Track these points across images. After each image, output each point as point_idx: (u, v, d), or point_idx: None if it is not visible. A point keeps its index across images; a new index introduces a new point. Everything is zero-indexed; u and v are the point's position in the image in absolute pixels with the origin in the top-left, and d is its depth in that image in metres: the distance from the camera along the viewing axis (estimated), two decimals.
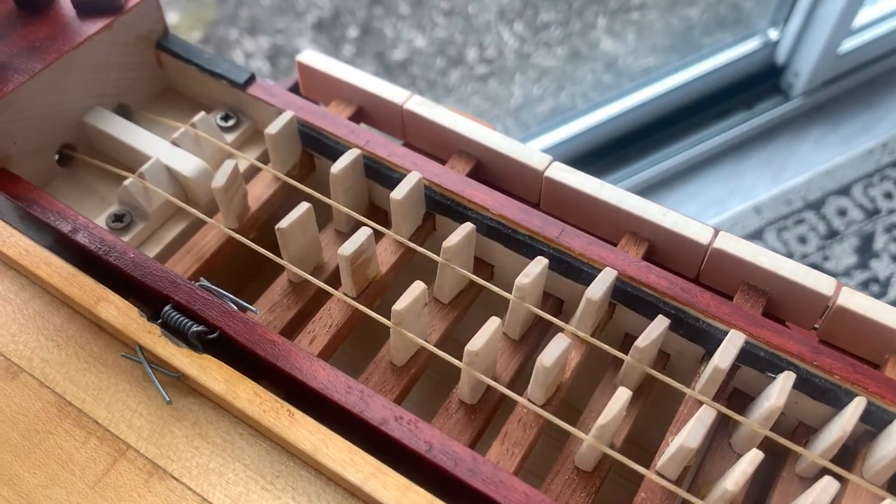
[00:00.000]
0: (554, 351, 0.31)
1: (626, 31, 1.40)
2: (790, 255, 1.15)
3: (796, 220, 1.28)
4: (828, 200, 1.29)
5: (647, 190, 1.18)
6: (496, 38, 1.38)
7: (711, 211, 1.19)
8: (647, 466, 0.31)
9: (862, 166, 1.31)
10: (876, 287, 1.14)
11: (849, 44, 1.26)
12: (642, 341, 0.32)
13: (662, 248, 0.36)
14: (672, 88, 1.25)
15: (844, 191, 1.30)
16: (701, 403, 0.32)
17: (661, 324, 0.32)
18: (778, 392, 0.30)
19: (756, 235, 1.17)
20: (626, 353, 0.33)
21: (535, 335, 0.36)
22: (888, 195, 1.32)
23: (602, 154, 1.20)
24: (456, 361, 0.32)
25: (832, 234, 1.26)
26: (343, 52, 1.32)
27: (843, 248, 1.26)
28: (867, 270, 1.22)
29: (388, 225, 0.39)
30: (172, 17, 1.31)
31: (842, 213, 1.29)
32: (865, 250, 1.25)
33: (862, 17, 1.24)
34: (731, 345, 0.31)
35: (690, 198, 1.22)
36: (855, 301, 0.33)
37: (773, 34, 1.28)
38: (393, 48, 1.35)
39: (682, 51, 1.33)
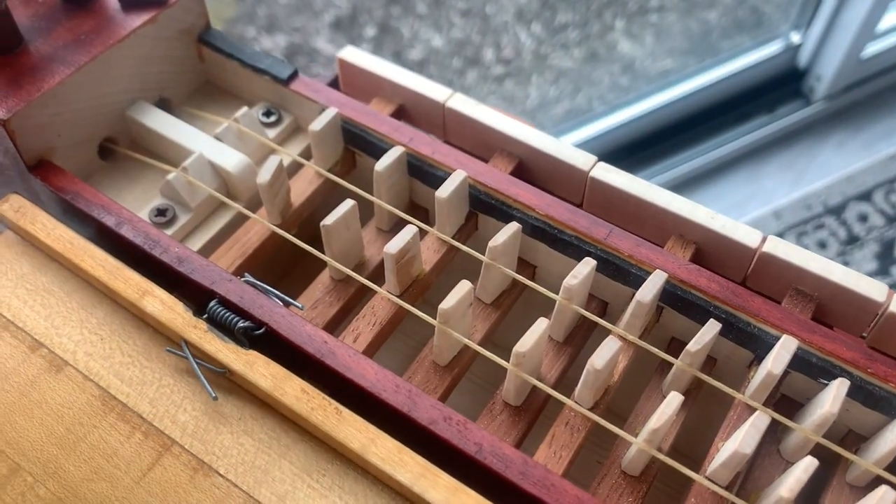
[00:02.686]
0: (605, 353, 0.30)
1: (644, 34, 1.39)
2: None
3: (816, 224, 1.27)
4: (848, 206, 1.29)
5: None
6: (513, 38, 1.38)
7: (731, 215, 1.18)
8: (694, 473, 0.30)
9: (883, 172, 1.30)
10: None
11: (872, 48, 1.25)
12: (694, 345, 0.31)
13: (709, 252, 0.36)
14: (693, 91, 1.24)
15: (865, 196, 1.29)
16: (750, 409, 0.32)
17: (712, 328, 0.32)
18: (832, 399, 0.30)
19: None
20: (672, 357, 0.32)
21: (579, 337, 0.36)
22: None
23: (620, 157, 1.19)
24: (503, 362, 0.32)
25: (853, 240, 1.25)
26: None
27: (864, 253, 1.26)
28: (888, 277, 1.21)
29: (429, 223, 0.38)
30: None
31: (863, 218, 1.28)
32: (886, 256, 1.24)
33: (886, 22, 1.23)
34: (785, 350, 0.31)
35: (710, 202, 1.21)
36: None
37: (795, 38, 1.27)
38: (410, 48, 1.35)
39: (700, 54, 1.33)
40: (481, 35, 1.38)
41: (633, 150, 1.24)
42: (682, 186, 1.20)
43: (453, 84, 1.32)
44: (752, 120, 1.29)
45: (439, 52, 1.34)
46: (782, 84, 1.31)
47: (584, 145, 1.17)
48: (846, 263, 1.16)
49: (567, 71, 1.33)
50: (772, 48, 1.28)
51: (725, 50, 1.31)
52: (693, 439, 0.38)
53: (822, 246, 1.25)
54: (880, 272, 1.22)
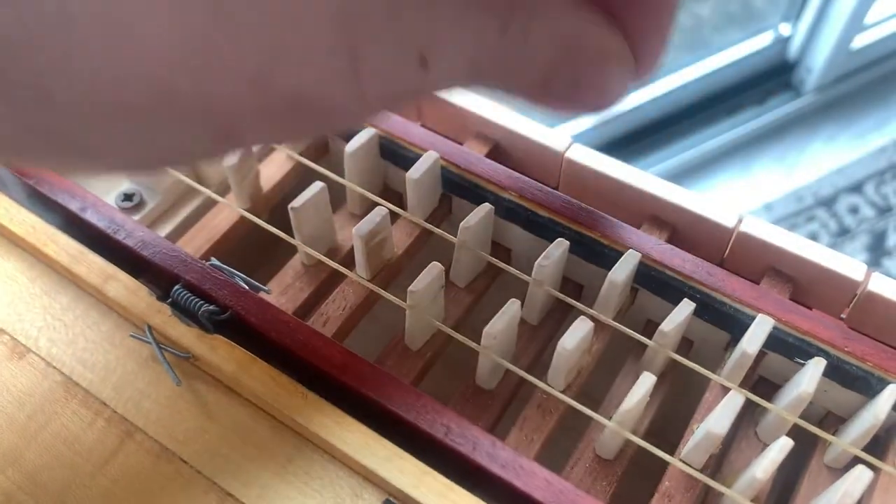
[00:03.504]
0: (576, 334, 0.30)
1: None
2: None
3: (807, 217, 1.27)
4: (839, 198, 1.28)
5: None
6: None
7: None
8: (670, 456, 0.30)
9: (874, 164, 1.30)
10: None
11: (861, 40, 1.25)
12: (667, 325, 0.31)
13: (686, 233, 0.35)
14: (683, 84, 1.23)
15: (856, 188, 1.28)
16: (726, 390, 0.31)
17: (686, 307, 0.31)
18: (808, 378, 0.29)
19: None
20: (646, 339, 0.32)
21: (553, 320, 0.35)
22: None
23: (611, 150, 1.19)
24: (474, 344, 0.31)
25: (844, 232, 1.25)
26: None
27: (855, 245, 1.25)
28: (879, 268, 1.20)
29: (403, 207, 0.38)
30: None
31: (853, 210, 1.27)
32: (877, 248, 1.23)
33: (875, 13, 1.23)
34: (760, 329, 0.30)
35: (700, 194, 1.21)
36: (886, 287, 0.32)
37: (784, 30, 1.27)
38: None
39: (692, 48, 1.32)
40: None
41: (624, 143, 1.23)
42: (673, 179, 1.19)
43: None
44: (743, 112, 1.29)
45: None
46: (773, 76, 1.30)
47: (576, 139, 1.16)
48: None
49: None
50: (762, 40, 1.27)
51: (717, 44, 1.31)
52: (671, 424, 0.38)
53: (813, 238, 1.24)
54: (871, 263, 1.21)
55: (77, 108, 0.16)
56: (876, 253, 1.21)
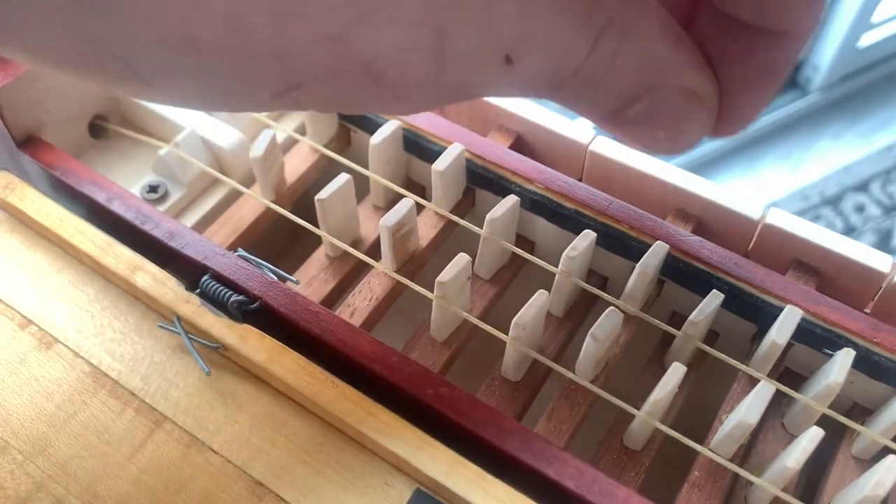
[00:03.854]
0: (605, 324, 0.30)
1: None
2: None
3: (813, 216, 1.27)
4: (845, 196, 1.28)
5: None
6: None
7: None
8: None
9: (880, 162, 1.30)
10: None
11: (868, 38, 1.25)
12: (696, 316, 0.31)
13: (712, 224, 0.35)
14: None
15: (862, 187, 1.28)
16: (754, 381, 0.31)
17: (715, 298, 0.31)
18: (837, 369, 0.29)
19: None
20: (674, 329, 0.32)
21: (579, 312, 0.35)
22: None
23: None
24: (501, 335, 0.31)
25: (850, 231, 1.25)
26: None
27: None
28: None
29: (426, 200, 0.38)
30: None
31: (859, 209, 1.28)
32: (884, 247, 1.23)
33: (882, 12, 1.23)
34: (789, 320, 0.30)
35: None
36: None
37: None
38: None
39: None
40: None
41: None
42: None
43: None
44: None
45: None
46: None
47: None
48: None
49: None
50: None
51: None
52: (696, 416, 0.38)
53: None
54: None
55: (143, 30, 0.16)
56: (882, 252, 1.22)
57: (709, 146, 1.25)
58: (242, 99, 0.19)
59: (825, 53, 1.23)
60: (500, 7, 0.17)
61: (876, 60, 1.27)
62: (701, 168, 1.24)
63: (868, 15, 1.18)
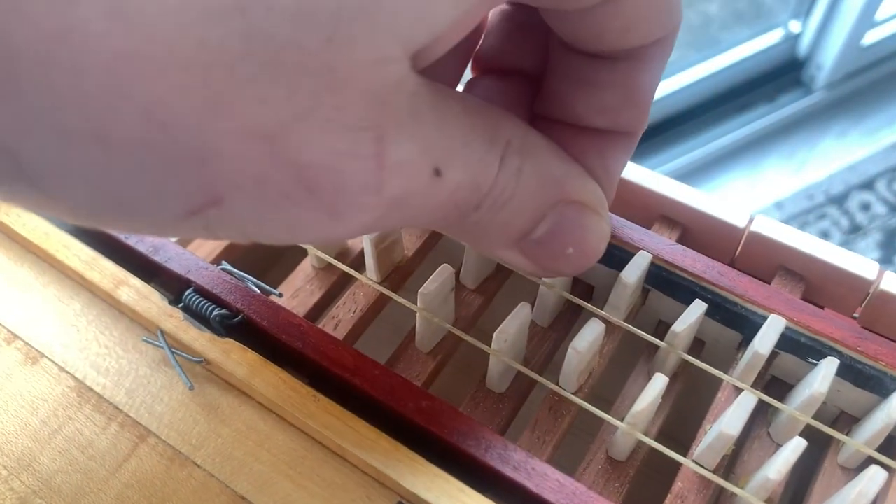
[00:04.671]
0: (588, 335, 0.30)
1: None
2: None
3: (818, 214, 1.26)
4: (851, 195, 1.27)
5: None
6: None
7: None
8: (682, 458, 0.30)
9: (886, 160, 1.29)
10: None
11: (872, 36, 1.24)
12: (679, 325, 0.31)
13: (697, 233, 0.35)
14: (693, 82, 1.23)
15: (868, 185, 1.28)
16: (738, 391, 0.31)
17: (698, 308, 0.31)
18: (821, 378, 0.29)
19: None
20: (658, 340, 0.32)
21: (564, 322, 0.35)
22: None
23: None
24: (485, 347, 0.31)
25: (855, 229, 1.24)
26: None
27: (867, 243, 1.24)
28: (892, 265, 1.20)
29: None
30: None
31: (865, 207, 1.27)
32: (889, 245, 1.22)
33: (885, 9, 1.22)
34: (772, 329, 0.30)
35: (711, 192, 1.21)
36: None
37: (794, 27, 1.26)
38: None
39: (700, 46, 1.32)
40: None
41: None
42: (682, 178, 1.19)
43: None
44: (753, 110, 1.28)
45: None
46: (783, 73, 1.30)
47: None
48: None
49: None
50: (772, 38, 1.27)
51: (725, 42, 1.30)
52: (683, 425, 0.38)
53: (824, 235, 1.23)
54: (884, 261, 1.21)
55: (42, 116, 0.13)
56: (888, 250, 1.21)
57: (713, 145, 1.24)
58: (144, 215, 0.16)
59: (829, 51, 1.22)
60: (423, 119, 0.17)
61: (880, 58, 1.27)
62: (705, 168, 1.23)
63: (872, 12, 1.18)
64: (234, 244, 0.36)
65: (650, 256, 0.32)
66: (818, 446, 0.32)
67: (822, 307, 0.34)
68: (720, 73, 1.24)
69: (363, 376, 0.30)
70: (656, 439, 0.32)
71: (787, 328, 0.31)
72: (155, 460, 0.30)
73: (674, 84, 1.21)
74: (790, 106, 1.27)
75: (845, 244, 1.20)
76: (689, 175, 1.23)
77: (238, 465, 0.29)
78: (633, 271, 0.32)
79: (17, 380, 0.32)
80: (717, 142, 1.25)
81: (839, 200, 1.24)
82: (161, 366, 0.32)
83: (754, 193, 1.24)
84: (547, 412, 0.31)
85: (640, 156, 1.19)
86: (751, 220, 0.34)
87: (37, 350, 0.32)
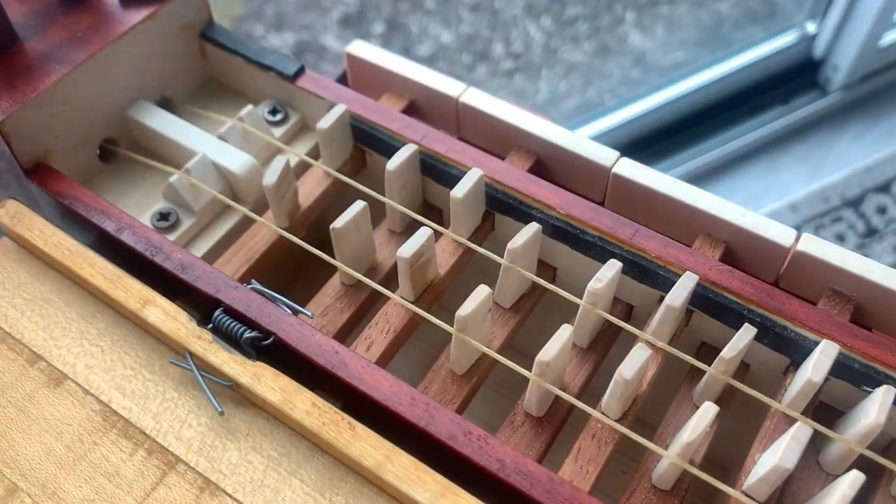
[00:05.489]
0: (635, 362, 0.29)
1: (655, 26, 1.37)
2: None
3: (834, 217, 1.25)
4: (867, 198, 1.26)
5: None
6: (523, 32, 1.36)
7: (746, 208, 1.17)
8: (725, 484, 0.29)
9: None
10: None
11: (890, 37, 1.23)
12: (728, 352, 0.29)
13: (740, 251, 0.34)
14: (707, 83, 1.22)
15: (884, 188, 1.26)
16: (787, 418, 0.30)
17: (747, 333, 0.30)
18: (878, 408, 0.28)
19: None
20: (703, 363, 0.30)
21: (604, 343, 0.34)
22: None
23: (633, 152, 1.17)
24: (525, 372, 0.30)
25: (871, 233, 1.23)
26: None
27: (883, 246, 1.23)
28: None
29: (443, 224, 0.37)
30: None
31: (881, 210, 1.26)
32: None
33: None
34: (825, 356, 0.29)
35: (724, 195, 1.19)
36: None
37: (810, 27, 1.25)
38: (419, 44, 1.34)
39: (712, 46, 1.31)
40: (490, 30, 1.36)
41: (645, 145, 1.22)
42: (696, 180, 1.18)
43: (463, 80, 1.30)
44: (768, 112, 1.27)
45: (448, 47, 1.32)
46: (798, 75, 1.28)
47: (597, 140, 1.14)
48: (865, 256, 1.13)
49: (577, 64, 1.31)
50: (787, 38, 1.25)
51: (737, 41, 1.29)
52: (725, 447, 0.36)
53: (840, 239, 1.22)
54: None
55: None
56: None
57: (727, 148, 1.23)
58: None
59: (845, 53, 1.21)
60: None
61: None
62: (719, 170, 1.22)
63: (890, 14, 1.16)
64: (264, 258, 0.35)
65: (696, 278, 0.31)
66: (870, 475, 0.31)
67: (869, 328, 0.33)
68: (734, 74, 1.22)
69: (400, 402, 0.29)
70: (700, 463, 0.31)
71: (839, 354, 0.30)
72: (184, 489, 0.29)
73: (687, 86, 1.20)
74: (805, 108, 1.26)
75: (861, 248, 1.19)
76: (703, 177, 1.21)
77: (271, 494, 0.28)
78: (680, 293, 0.30)
79: (40, 403, 0.31)
80: (731, 144, 1.24)
81: (855, 203, 1.23)
82: (189, 388, 0.31)
83: (769, 196, 1.23)
84: (590, 440, 0.30)
85: (653, 157, 1.18)
86: (797, 239, 0.33)
87: (60, 371, 0.31)
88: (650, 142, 1.21)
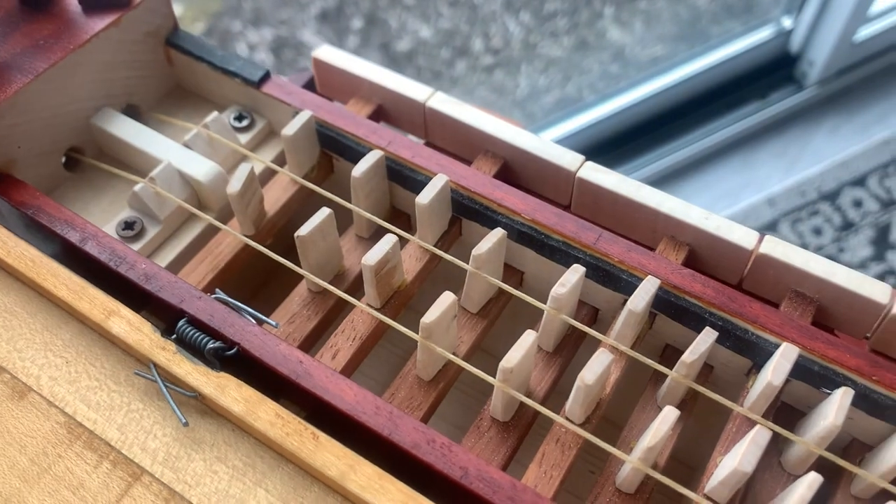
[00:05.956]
0: (596, 367, 0.29)
1: (634, 21, 1.37)
2: (804, 247, 1.13)
3: (811, 211, 1.26)
4: (843, 191, 1.27)
5: (658, 182, 1.16)
6: (502, 28, 1.36)
7: (724, 203, 1.17)
8: (689, 484, 0.29)
9: (877, 156, 1.29)
10: (892, 279, 1.12)
11: (865, 31, 1.24)
12: (689, 356, 0.30)
13: (703, 254, 0.34)
14: (684, 78, 1.23)
15: (860, 181, 1.28)
16: (750, 421, 0.30)
17: (709, 337, 0.30)
18: (836, 410, 0.28)
19: (770, 227, 1.15)
20: (667, 365, 0.31)
21: (569, 347, 0.34)
22: None
23: (612, 146, 1.18)
24: (489, 378, 0.30)
25: (848, 226, 1.24)
26: (348, 43, 1.30)
27: (859, 239, 1.24)
28: (883, 262, 1.20)
29: (411, 229, 0.37)
30: (177, 9, 1.29)
31: (857, 204, 1.27)
32: (881, 242, 1.23)
33: (878, 4, 1.22)
34: (785, 359, 0.29)
35: (702, 190, 1.20)
36: None
37: (786, 22, 1.26)
38: (398, 39, 1.33)
39: (690, 40, 1.31)
40: (469, 25, 1.36)
41: (624, 140, 1.22)
42: (674, 175, 1.18)
43: (442, 76, 1.30)
44: (745, 106, 1.28)
45: (427, 42, 1.32)
46: (774, 70, 1.29)
47: (577, 135, 1.15)
48: (841, 250, 1.14)
49: (557, 60, 1.32)
50: (763, 33, 1.26)
51: (715, 35, 1.29)
52: (691, 447, 0.37)
53: (817, 233, 1.23)
54: (875, 258, 1.21)
55: None
56: (880, 247, 1.21)
57: (705, 143, 1.24)
58: None
59: (821, 48, 1.22)
60: None
61: (872, 54, 1.26)
62: (697, 165, 1.23)
63: (864, 9, 1.17)
64: (230, 266, 0.35)
65: (658, 282, 0.31)
66: (831, 475, 0.31)
67: (832, 329, 0.34)
68: (711, 69, 1.23)
69: (364, 411, 0.29)
70: (666, 465, 0.31)
71: (800, 356, 0.30)
72: (149, 500, 0.29)
73: (664, 81, 1.20)
74: (782, 102, 1.27)
75: (837, 241, 1.20)
76: (681, 172, 1.22)
77: (235, 503, 0.28)
78: (641, 298, 0.31)
79: (3, 416, 0.30)
80: (709, 138, 1.24)
81: (831, 197, 1.24)
82: (154, 399, 0.31)
83: (747, 191, 1.24)
84: (554, 445, 0.30)
85: (631, 153, 1.18)
86: (759, 241, 0.33)
87: (24, 383, 0.31)
88: (629, 137, 1.21)
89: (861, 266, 1.14)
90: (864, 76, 1.29)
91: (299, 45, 1.31)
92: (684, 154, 1.24)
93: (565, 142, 1.10)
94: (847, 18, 1.17)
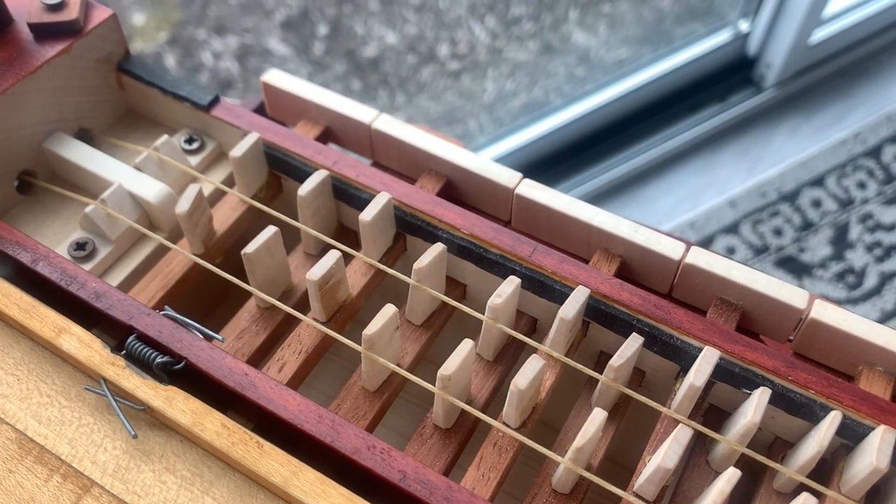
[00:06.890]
0: (528, 373, 0.30)
1: (598, 24, 1.39)
2: (766, 248, 1.15)
3: (771, 212, 1.29)
4: (802, 192, 1.30)
5: (622, 186, 1.18)
6: (467, 33, 1.38)
7: (686, 205, 1.19)
8: (626, 485, 0.31)
9: (835, 157, 1.32)
10: (851, 278, 1.15)
11: (819, 34, 1.26)
12: (616, 360, 0.31)
13: (634, 265, 0.36)
14: (644, 83, 1.25)
15: (818, 182, 1.30)
16: (675, 421, 0.32)
17: (635, 342, 0.32)
18: (754, 409, 0.30)
19: (731, 229, 1.18)
20: (601, 372, 0.32)
21: (509, 355, 0.36)
22: (862, 185, 1.33)
23: (575, 151, 1.20)
24: (429, 386, 0.31)
25: (807, 226, 1.27)
26: (313, 50, 1.31)
27: (819, 239, 1.27)
28: (842, 261, 1.22)
29: (358, 246, 0.38)
30: (138, 19, 1.29)
31: (816, 204, 1.29)
32: (840, 241, 1.25)
33: (832, 7, 1.25)
34: (706, 362, 0.31)
35: (665, 192, 1.22)
36: (828, 314, 0.33)
37: (743, 26, 1.29)
38: (363, 45, 1.34)
39: (654, 42, 1.34)
40: (435, 30, 1.37)
41: (588, 144, 1.24)
42: (636, 178, 1.20)
43: (409, 81, 1.31)
44: (705, 109, 1.30)
45: (393, 48, 1.33)
46: (733, 72, 1.32)
47: (544, 139, 1.16)
48: (801, 250, 1.17)
49: (523, 64, 1.33)
50: (721, 37, 1.29)
51: (679, 37, 1.32)
52: (626, 449, 0.39)
53: (777, 233, 1.26)
54: (835, 257, 1.24)
55: None
56: (839, 246, 1.24)
57: (665, 146, 1.26)
58: None
59: (778, 50, 1.24)
60: None
61: (828, 56, 1.29)
62: (658, 168, 1.25)
63: (818, 12, 1.20)
64: (180, 285, 0.36)
65: (588, 291, 0.33)
66: (755, 471, 0.33)
67: (758, 334, 0.35)
68: (671, 73, 1.25)
69: (307, 421, 0.30)
70: (601, 465, 0.33)
71: (721, 359, 0.32)
72: None
73: (625, 86, 1.22)
74: (741, 105, 1.29)
75: (798, 241, 1.22)
76: (641, 175, 1.24)
77: None
78: (572, 306, 0.32)
79: None
80: (670, 142, 1.27)
81: (791, 198, 1.27)
82: (105, 413, 0.32)
83: (708, 193, 1.26)
84: (491, 448, 0.32)
85: (591, 158, 1.20)
86: (686, 252, 0.35)
87: None
88: (592, 142, 1.23)
89: (821, 266, 1.17)
90: (821, 78, 1.31)
91: (265, 52, 1.32)
92: (647, 157, 1.26)
93: (532, 147, 1.12)
94: (801, 21, 1.20)
